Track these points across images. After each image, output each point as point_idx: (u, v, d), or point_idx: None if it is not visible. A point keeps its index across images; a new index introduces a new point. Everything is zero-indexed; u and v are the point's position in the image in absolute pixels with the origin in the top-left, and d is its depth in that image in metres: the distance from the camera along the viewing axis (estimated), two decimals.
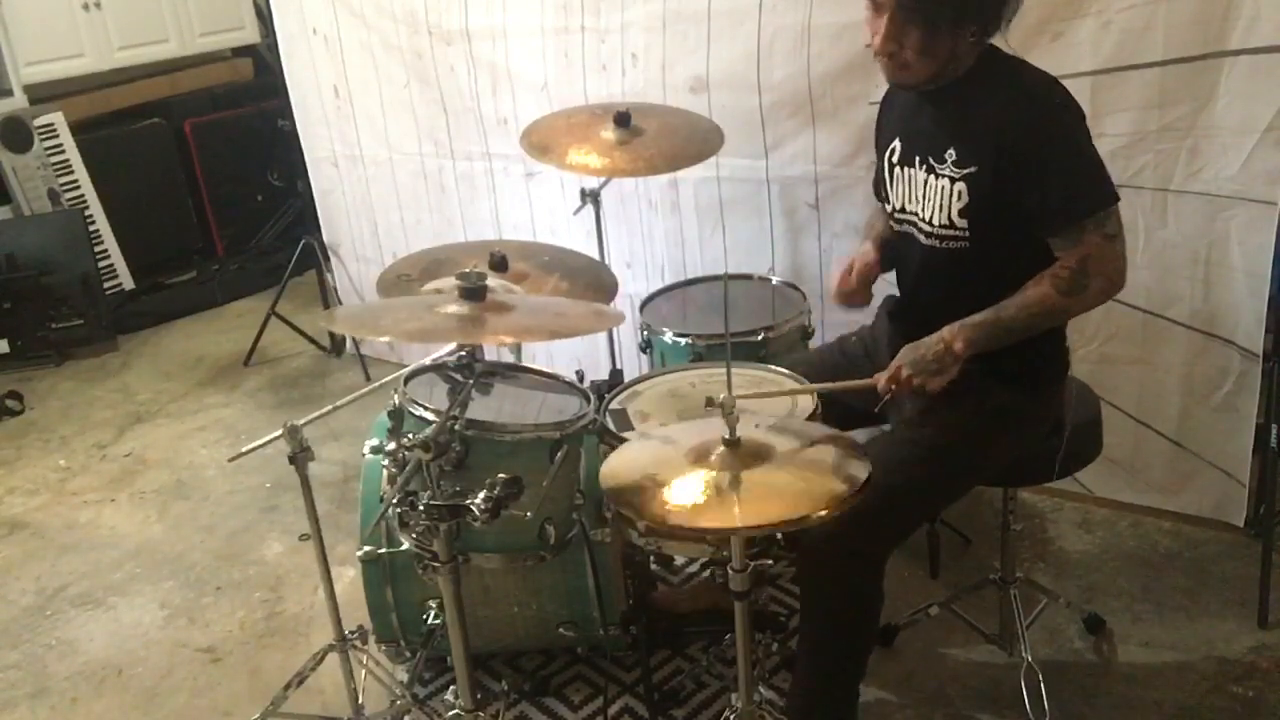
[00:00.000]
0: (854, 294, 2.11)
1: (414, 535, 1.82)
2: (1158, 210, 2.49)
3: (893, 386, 1.90)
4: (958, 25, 1.79)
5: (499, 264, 2.27)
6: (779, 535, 1.90)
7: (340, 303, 4.26)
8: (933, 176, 1.91)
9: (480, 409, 1.98)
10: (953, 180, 1.87)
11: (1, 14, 4.42)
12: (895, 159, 2.02)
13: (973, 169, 1.85)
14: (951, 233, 1.90)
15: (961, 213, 1.88)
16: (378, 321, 1.92)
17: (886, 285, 2.15)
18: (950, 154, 1.87)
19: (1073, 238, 1.81)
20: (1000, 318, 1.85)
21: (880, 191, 2.12)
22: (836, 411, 2.01)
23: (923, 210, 1.95)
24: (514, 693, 2.34)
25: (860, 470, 1.52)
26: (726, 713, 1.79)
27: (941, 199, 1.90)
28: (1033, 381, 1.97)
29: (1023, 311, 1.84)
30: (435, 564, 1.78)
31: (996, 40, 1.86)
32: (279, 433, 1.98)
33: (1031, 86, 1.84)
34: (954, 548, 2.70)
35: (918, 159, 1.95)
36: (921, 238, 1.97)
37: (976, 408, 1.93)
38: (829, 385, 2.03)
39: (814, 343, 2.61)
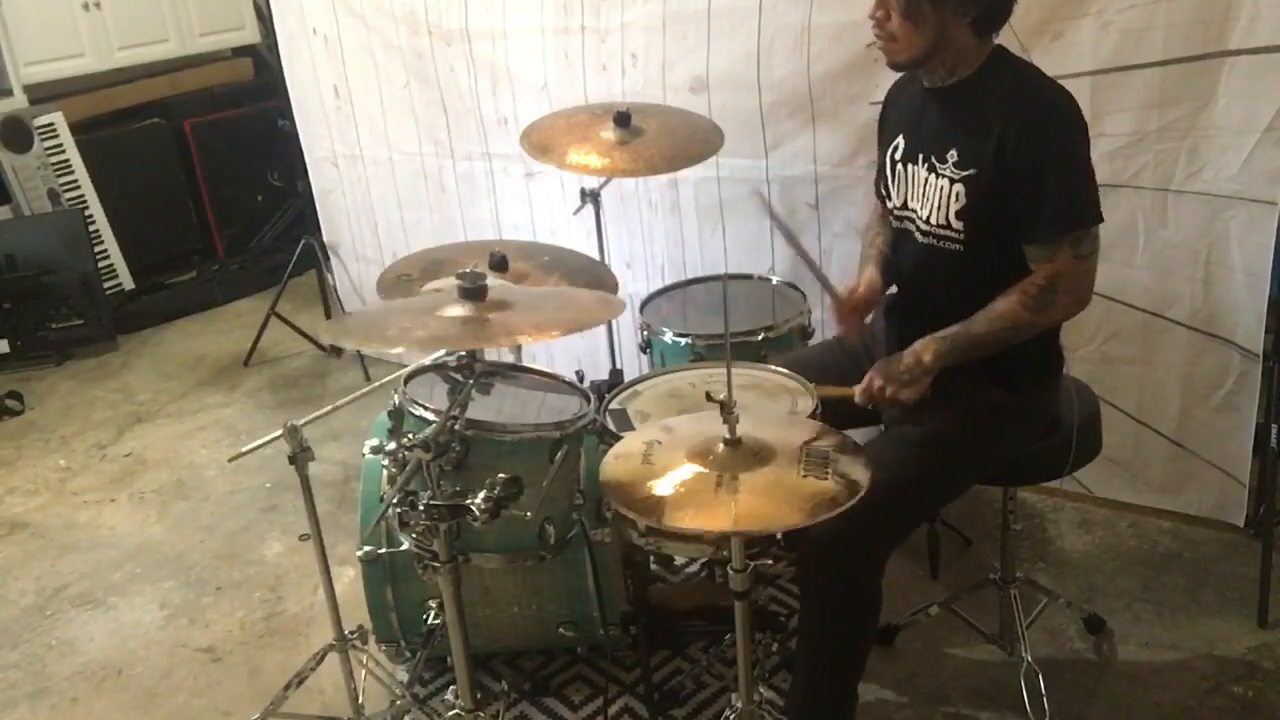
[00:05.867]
0: (856, 327, 2.08)
1: (414, 535, 1.82)
2: (1158, 210, 2.49)
3: (868, 398, 1.95)
4: None
5: (499, 264, 2.26)
6: (779, 535, 1.90)
7: (340, 302, 4.26)
8: (933, 175, 1.92)
9: (480, 409, 1.97)
10: (952, 181, 1.87)
11: (1, 14, 4.42)
12: (898, 156, 2.02)
13: (972, 171, 1.85)
14: (947, 233, 1.91)
15: (959, 214, 1.88)
16: (386, 332, 1.89)
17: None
18: (952, 154, 1.88)
19: (1049, 250, 1.82)
20: (968, 331, 1.87)
21: (880, 189, 2.12)
22: (833, 411, 2.01)
23: (921, 208, 1.96)
24: (514, 693, 2.34)
25: (861, 475, 1.52)
26: (726, 713, 1.79)
27: (940, 198, 1.90)
28: (1023, 380, 1.97)
29: (990, 326, 1.86)
30: (435, 564, 1.79)
31: (1007, 43, 1.85)
32: (279, 433, 1.98)
33: (1039, 93, 1.84)
34: (954, 548, 2.70)
35: (920, 156, 1.95)
36: (918, 235, 1.98)
37: (967, 406, 1.94)
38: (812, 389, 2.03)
39: (813, 342, 2.60)
